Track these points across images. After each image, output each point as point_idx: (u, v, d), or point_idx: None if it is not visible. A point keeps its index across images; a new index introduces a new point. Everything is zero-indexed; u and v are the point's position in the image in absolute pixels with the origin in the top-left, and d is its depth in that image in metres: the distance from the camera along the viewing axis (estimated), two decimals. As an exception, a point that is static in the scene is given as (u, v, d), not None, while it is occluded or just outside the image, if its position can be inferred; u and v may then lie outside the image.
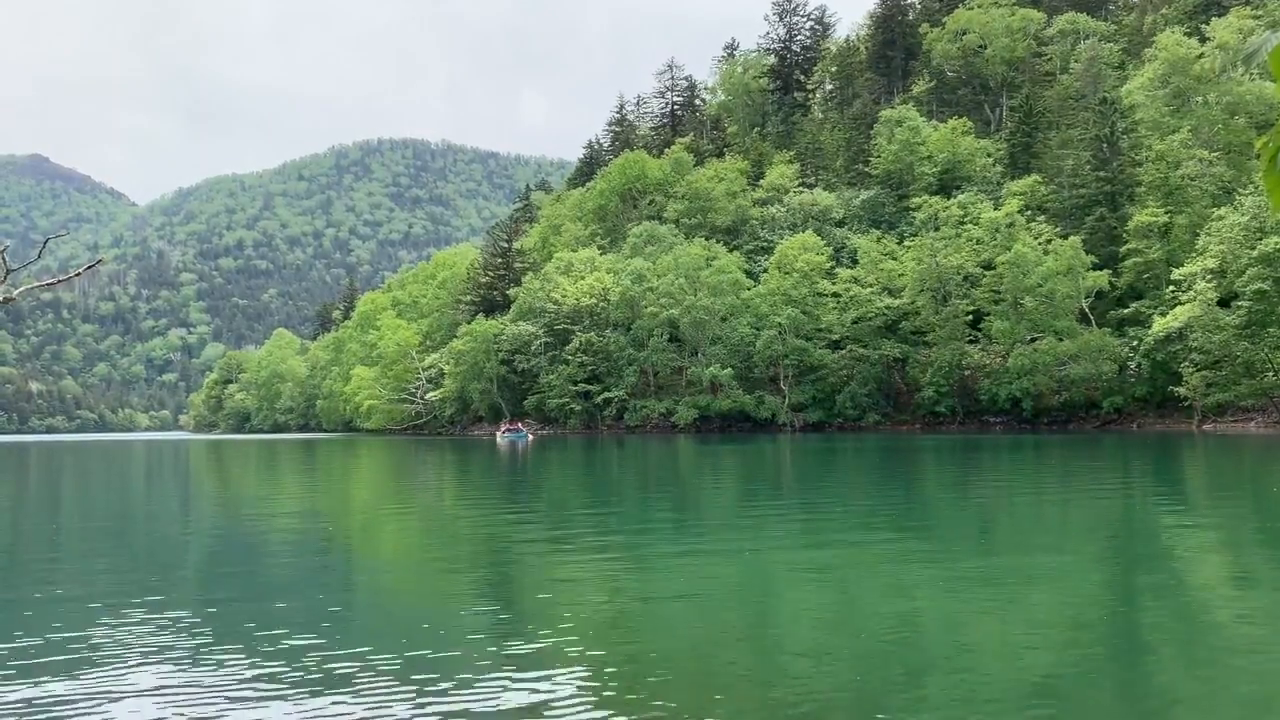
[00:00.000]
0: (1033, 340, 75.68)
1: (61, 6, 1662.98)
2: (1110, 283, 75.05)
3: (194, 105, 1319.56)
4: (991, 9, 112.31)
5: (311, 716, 7.47)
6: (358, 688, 8.14)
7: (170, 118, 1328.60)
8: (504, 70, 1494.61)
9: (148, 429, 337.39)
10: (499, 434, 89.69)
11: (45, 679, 8.52)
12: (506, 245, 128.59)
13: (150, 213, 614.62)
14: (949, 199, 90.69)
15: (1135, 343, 70.61)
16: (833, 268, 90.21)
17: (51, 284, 10.37)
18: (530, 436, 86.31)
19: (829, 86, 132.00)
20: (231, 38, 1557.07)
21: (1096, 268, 75.05)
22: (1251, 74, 77.37)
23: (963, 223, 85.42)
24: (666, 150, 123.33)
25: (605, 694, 7.93)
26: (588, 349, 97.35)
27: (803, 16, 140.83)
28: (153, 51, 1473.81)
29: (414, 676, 8.42)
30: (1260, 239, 63.11)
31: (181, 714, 7.59)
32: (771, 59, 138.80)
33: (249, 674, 8.63)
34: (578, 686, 8.14)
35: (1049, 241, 77.78)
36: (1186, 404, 66.53)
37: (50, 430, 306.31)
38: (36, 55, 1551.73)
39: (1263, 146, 2.75)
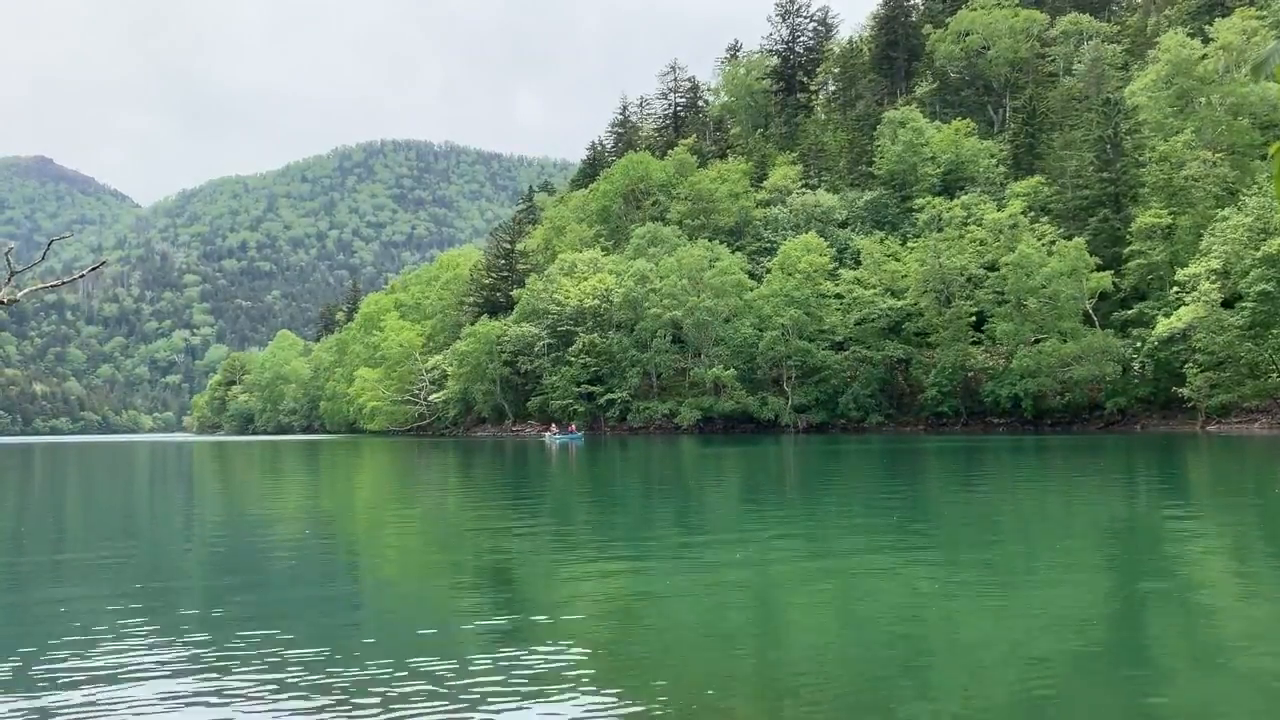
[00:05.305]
0: (1036, 341, 75.59)
1: (53, 8, 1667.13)
2: (1114, 284, 74.95)
3: (193, 107, 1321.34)
4: (994, 10, 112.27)
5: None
6: (358, 693, 8.12)
7: (170, 119, 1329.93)
8: (499, 70, 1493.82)
9: (151, 430, 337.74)
10: (547, 435, 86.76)
11: (45, 689, 8.51)
12: (509, 246, 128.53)
13: (154, 214, 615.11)
14: (952, 200, 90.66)
15: (1139, 344, 70.48)
16: (836, 269, 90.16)
17: (55, 285, 10.36)
18: (582, 438, 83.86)
19: (832, 87, 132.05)
20: (226, 40, 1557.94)
21: (1100, 269, 74.98)
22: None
23: (966, 224, 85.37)
24: (669, 151, 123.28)
25: (603, 700, 7.92)
26: (591, 350, 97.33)
27: (806, 18, 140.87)
28: (148, 54, 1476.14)
29: (411, 683, 8.41)
30: (1264, 240, 63.03)
31: None
32: (774, 60, 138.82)
33: (247, 687, 8.62)
34: (577, 694, 8.12)
35: (1052, 242, 77.69)
36: (1190, 405, 66.39)
37: (54, 432, 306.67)
38: (32, 56, 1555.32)
39: (1275, 151, 2.73)
